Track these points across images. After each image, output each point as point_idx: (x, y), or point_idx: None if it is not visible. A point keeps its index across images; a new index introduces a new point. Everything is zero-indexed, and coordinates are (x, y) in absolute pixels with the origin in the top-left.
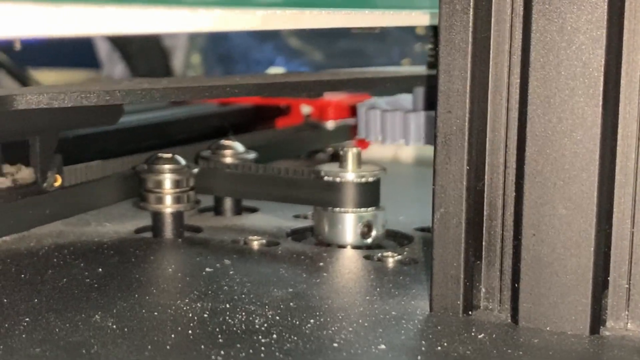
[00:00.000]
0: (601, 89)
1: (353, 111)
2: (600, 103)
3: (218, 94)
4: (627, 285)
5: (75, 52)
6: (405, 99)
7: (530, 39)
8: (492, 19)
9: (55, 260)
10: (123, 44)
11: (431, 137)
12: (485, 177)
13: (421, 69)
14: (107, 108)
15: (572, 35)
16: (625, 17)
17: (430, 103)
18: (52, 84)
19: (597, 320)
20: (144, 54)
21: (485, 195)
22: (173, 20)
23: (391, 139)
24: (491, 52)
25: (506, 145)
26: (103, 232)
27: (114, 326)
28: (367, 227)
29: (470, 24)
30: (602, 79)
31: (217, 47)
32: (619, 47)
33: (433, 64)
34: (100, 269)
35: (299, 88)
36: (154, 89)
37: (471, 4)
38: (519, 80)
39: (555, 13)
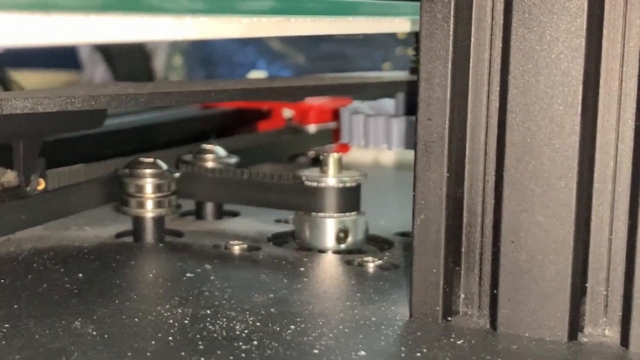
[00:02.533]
0: (580, 97)
1: (335, 115)
2: (579, 111)
3: (201, 99)
4: (605, 292)
5: (56, 54)
6: (389, 104)
7: (510, 48)
8: (473, 28)
9: (35, 265)
10: (104, 46)
11: (411, 142)
12: (465, 184)
13: (401, 74)
14: (90, 112)
15: (552, 44)
16: (604, 26)
17: (410, 108)
18: (36, 89)
19: (575, 326)
20: (126, 55)
21: (464, 202)
22: (157, 29)
23: (374, 144)
24: (471, 60)
25: (486, 153)
26: (83, 236)
27: (94, 332)
28: (344, 233)
29: (451, 32)
30: (581, 87)
31: (199, 50)
32: (598, 56)
33: (415, 70)
34: (80, 274)
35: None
36: (139, 94)
37: (452, 12)
38: (499, 89)
39: (535, 22)
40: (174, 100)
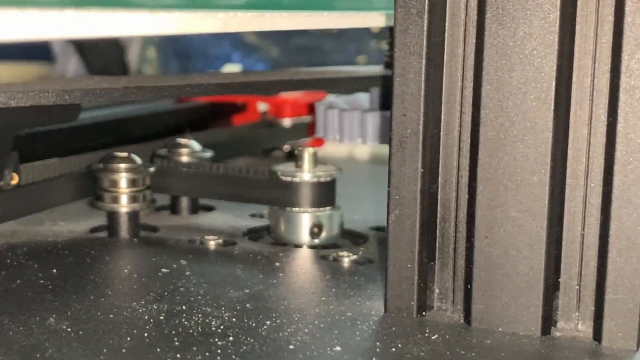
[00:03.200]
0: (553, 93)
1: (310, 109)
2: (552, 107)
3: (176, 93)
4: (577, 287)
5: (28, 45)
6: (364, 98)
7: (484, 44)
8: (447, 24)
9: (8, 260)
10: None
11: (386, 136)
12: (439, 179)
13: (376, 69)
14: (64, 106)
15: (525, 40)
16: (577, 22)
17: (385, 103)
18: (9, 83)
19: (549, 321)
20: (99, 47)
21: (439, 198)
22: (134, 23)
23: (349, 138)
24: (445, 56)
25: (459, 148)
26: (57, 231)
27: (69, 329)
28: (317, 228)
29: (425, 28)
30: (553, 83)
31: (173, 42)
32: (571, 53)
33: (390, 64)
34: (54, 270)
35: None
36: (114, 88)
37: (426, 8)
38: (472, 84)
39: (508, 18)
40: (148, 94)
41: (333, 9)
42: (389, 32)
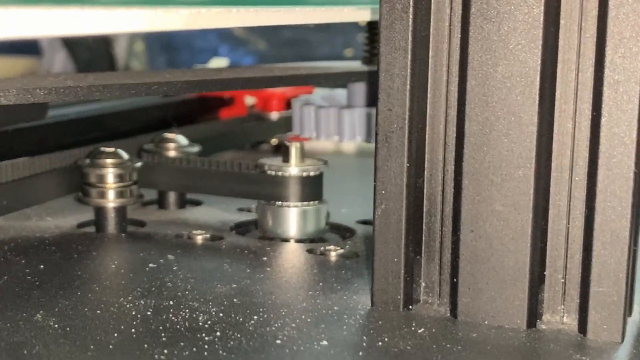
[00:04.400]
0: (537, 87)
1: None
2: (537, 102)
3: (143, 91)
4: (562, 280)
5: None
6: (341, 94)
7: (468, 38)
8: (432, 18)
9: None
10: None
11: (363, 133)
12: (425, 173)
13: (355, 65)
14: (31, 105)
15: (509, 34)
16: (561, 17)
17: (367, 99)
18: None
19: (534, 314)
20: (86, 41)
21: (425, 192)
22: (89, 22)
23: (325, 136)
24: (430, 51)
25: (445, 143)
26: (44, 226)
27: (56, 325)
28: None
29: (410, 23)
30: (538, 78)
31: (160, 36)
32: (555, 47)
33: (368, 60)
34: (41, 266)
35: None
36: (79, 87)
37: (411, 3)
38: (458, 79)
39: (493, 12)
40: (115, 92)
41: (306, 4)
42: (368, 27)
